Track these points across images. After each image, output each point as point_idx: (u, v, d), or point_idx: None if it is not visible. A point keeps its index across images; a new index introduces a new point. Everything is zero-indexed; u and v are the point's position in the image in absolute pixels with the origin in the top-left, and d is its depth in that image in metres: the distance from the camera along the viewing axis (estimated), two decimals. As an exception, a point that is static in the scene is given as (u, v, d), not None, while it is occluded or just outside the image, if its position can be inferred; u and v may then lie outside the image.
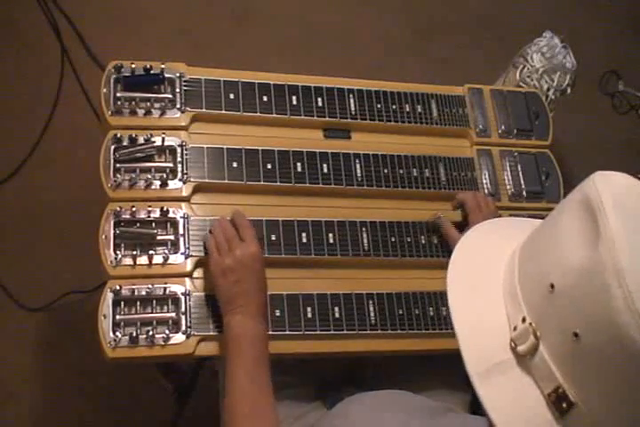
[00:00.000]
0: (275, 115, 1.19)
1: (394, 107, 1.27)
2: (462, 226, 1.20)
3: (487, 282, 0.68)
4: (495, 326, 0.64)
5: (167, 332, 1.00)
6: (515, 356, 0.62)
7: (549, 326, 0.61)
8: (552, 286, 0.60)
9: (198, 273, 1.07)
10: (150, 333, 0.99)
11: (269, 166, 1.15)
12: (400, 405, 0.93)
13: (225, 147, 1.14)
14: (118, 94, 1.12)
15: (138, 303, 1.02)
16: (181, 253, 1.06)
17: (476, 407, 1.12)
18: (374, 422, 0.83)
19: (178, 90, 1.15)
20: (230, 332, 0.97)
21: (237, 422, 0.90)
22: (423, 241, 1.19)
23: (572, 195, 0.64)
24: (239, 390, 0.92)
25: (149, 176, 1.08)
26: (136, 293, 1.02)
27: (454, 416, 0.91)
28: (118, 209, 1.05)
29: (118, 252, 1.03)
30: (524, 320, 0.62)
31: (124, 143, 1.09)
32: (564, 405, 0.59)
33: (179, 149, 1.11)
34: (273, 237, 1.10)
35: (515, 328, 0.63)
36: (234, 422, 0.90)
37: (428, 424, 0.88)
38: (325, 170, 1.18)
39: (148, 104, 1.12)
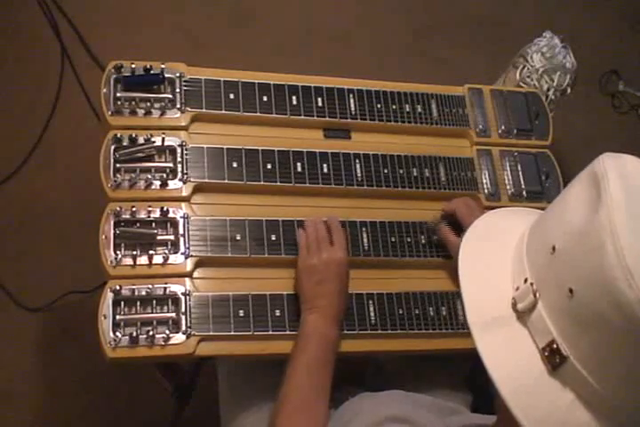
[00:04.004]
0: (275, 115, 1.19)
1: (394, 107, 1.26)
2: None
3: (498, 248, 0.71)
4: (499, 284, 0.68)
5: (167, 332, 1.00)
6: (514, 312, 0.66)
7: (548, 284, 0.64)
8: (554, 248, 0.63)
9: (198, 273, 1.07)
10: (150, 333, 0.99)
11: (269, 166, 1.15)
12: (411, 403, 0.94)
13: (225, 147, 1.14)
14: (118, 94, 1.12)
15: (138, 303, 1.02)
16: (181, 253, 1.06)
17: (477, 407, 1.12)
18: (383, 409, 0.85)
19: (178, 90, 1.15)
20: (303, 329, 1.01)
21: (285, 413, 0.92)
22: (423, 241, 1.19)
23: (581, 173, 0.67)
24: (295, 383, 0.95)
25: (149, 176, 1.08)
26: (136, 293, 1.02)
27: (462, 416, 0.92)
28: (118, 209, 1.05)
29: (118, 252, 1.03)
30: (525, 281, 0.65)
31: (124, 143, 1.09)
32: (557, 359, 0.62)
33: (179, 149, 1.11)
34: (273, 237, 1.10)
35: (517, 288, 0.66)
36: (281, 412, 0.92)
37: (440, 421, 0.89)
38: (325, 170, 1.18)
39: (148, 104, 1.13)
